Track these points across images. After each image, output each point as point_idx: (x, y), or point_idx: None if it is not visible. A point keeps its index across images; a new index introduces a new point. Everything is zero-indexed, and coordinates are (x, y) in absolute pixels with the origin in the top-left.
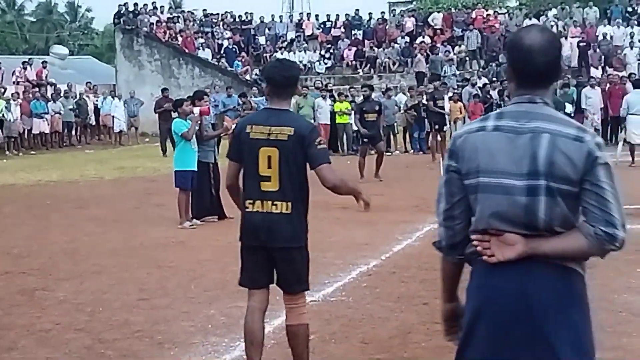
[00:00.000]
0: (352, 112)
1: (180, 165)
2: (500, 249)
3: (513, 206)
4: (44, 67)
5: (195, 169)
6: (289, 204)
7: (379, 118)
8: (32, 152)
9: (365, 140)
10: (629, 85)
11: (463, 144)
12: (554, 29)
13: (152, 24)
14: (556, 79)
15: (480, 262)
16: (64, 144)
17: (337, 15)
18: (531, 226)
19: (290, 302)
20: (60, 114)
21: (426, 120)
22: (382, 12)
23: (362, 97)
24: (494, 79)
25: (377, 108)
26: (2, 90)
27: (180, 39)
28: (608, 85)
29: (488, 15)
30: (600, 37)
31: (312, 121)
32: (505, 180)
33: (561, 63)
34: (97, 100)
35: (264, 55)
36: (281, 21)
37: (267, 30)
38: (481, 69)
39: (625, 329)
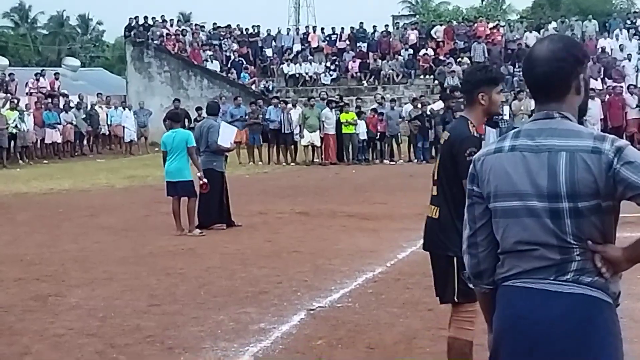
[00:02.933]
0: (357, 122)
1: (189, 175)
2: (605, 264)
3: (539, 229)
4: (57, 79)
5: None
6: (438, 209)
7: None
8: (45, 162)
9: None
10: (627, 96)
11: (482, 167)
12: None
13: (162, 36)
14: (567, 91)
15: (504, 288)
16: (76, 154)
17: (342, 28)
18: (561, 247)
19: (452, 313)
20: (72, 124)
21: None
22: (386, 25)
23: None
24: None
25: None
26: (16, 101)
27: (189, 51)
28: (607, 96)
29: (490, 28)
30: (600, 50)
31: (319, 131)
32: (527, 202)
33: (574, 74)
34: (108, 111)
35: (271, 67)
36: (287, 34)
37: (273, 43)
38: None
39: (626, 335)
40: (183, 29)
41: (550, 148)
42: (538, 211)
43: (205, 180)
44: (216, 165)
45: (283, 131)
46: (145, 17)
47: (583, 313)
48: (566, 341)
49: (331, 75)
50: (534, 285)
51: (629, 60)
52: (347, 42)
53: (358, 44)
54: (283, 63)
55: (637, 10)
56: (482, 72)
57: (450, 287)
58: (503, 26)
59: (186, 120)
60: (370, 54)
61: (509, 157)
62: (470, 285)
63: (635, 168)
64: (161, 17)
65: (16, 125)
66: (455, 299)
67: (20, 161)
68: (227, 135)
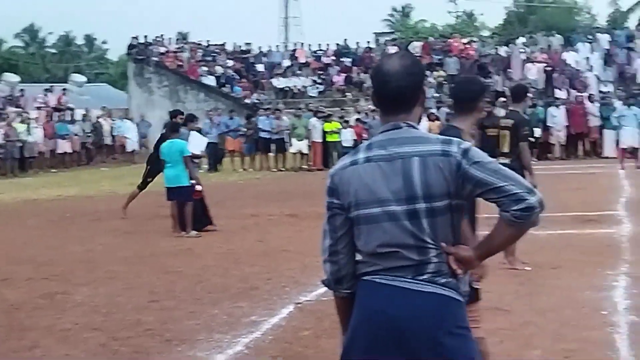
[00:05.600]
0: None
1: (186, 182)
2: (458, 264)
3: (399, 232)
4: (64, 94)
5: None
6: None
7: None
8: (53, 170)
9: None
10: (589, 104)
11: (340, 180)
12: (523, 55)
13: (162, 54)
14: (415, 103)
15: (363, 282)
16: (82, 163)
17: (328, 45)
18: (419, 247)
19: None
20: (78, 135)
21: None
22: (368, 42)
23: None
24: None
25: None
26: (26, 114)
27: (186, 67)
28: (571, 105)
29: (464, 43)
30: (564, 62)
31: (306, 139)
32: (387, 207)
33: (421, 88)
34: (113, 123)
35: (262, 81)
36: (277, 50)
37: (264, 59)
38: None
39: (587, 323)
40: (181, 47)
41: (402, 155)
42: (397, 215)
43: (198, 187)
44: (188, 175)
45: (274, 139)
46: (146, 36)
47: (440, 311)
48: (420, 337)
49: (318, 88)
50: (392, 282)
51: (591, 71)
52: (333, 57)
53: (342, 59)
54: (273, 77)
55: (598, 26)
56: (479, 83)
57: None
58: (476, 42)
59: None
60: (354, 68)
61: (365, 168)
62: (332, 291)
63: (482, 167)
64: (161, 35)
65: (22, 137)
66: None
67: (30, 170)
68: (197, 143)
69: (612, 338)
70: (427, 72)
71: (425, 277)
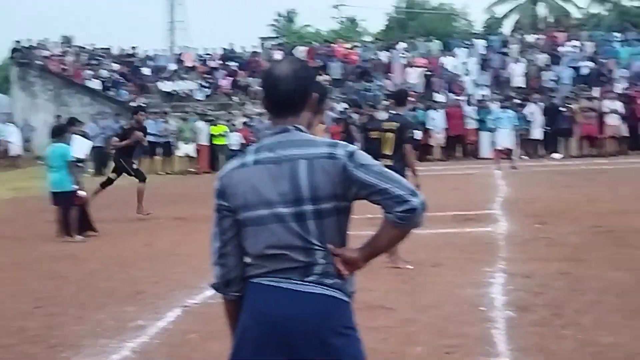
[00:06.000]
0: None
1: (69, 186)
2: (344, 265)
3: (286, 233)
4: None
5: None
6: None
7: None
8: None
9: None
10: (466, 107)
11: (229, 182)
12: (404, 60)
13: (46, 57)
14: (304, 107)
15: (252, 285)
16: None
17: (214, 49)
18: (306, 249)
19: None
20: None
21: None
22: (254, 46)
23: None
24: (351, 103)
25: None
26: None
27: (71, 71)
28: (449, 108)
29: (347, 48)
30: (443, 67)
31: (193, 143)
32: (274, 209)
33: (310, 92)
34: None
35: (148, 84)
36: (163, 54)
37: (150, 62)
38: (341, 95)
39: (467, 319)
40: (66, 50)
41: (290, 158)
42: (284, 216)
43: (81, 193)
44: (72, 180)
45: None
46: (29, 40)
47: (324, 312)
48: (308, 338)
49: (204, 92)
50: (280, 284)
51: (468, 75)
52: (219, 61)
53: (229, 63)
54: (159, 81)
55: (474, 32)
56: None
57: None
58: (359, 47)
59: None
60: (241, 72)
61: (254, 170)
62: (221, 294)
63: (367, 169)
64: (45, 39)
65: None
66: None
67: None
68: (80, 147)
69: (490, 333)
70: None
71: (312, 278)
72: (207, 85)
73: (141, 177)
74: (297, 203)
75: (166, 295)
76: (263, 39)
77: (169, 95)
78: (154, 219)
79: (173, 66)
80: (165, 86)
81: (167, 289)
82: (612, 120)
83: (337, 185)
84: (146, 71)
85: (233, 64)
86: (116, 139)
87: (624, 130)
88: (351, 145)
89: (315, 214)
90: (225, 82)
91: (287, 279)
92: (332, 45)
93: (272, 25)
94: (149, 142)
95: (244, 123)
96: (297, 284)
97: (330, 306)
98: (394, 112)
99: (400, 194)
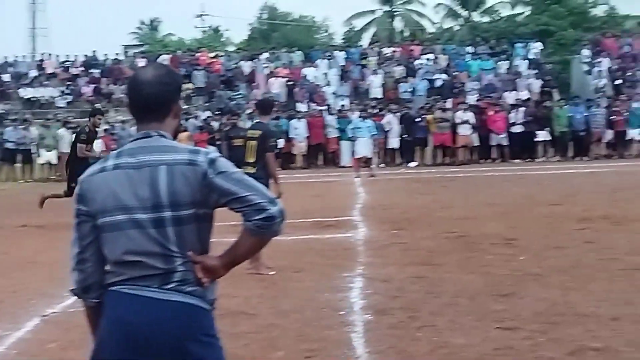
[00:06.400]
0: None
1: None
2: (204, 273)
3: (144, 240)
4: None
5: None
6: None
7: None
8: None
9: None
10: (327, 117)
11: (89, 186)
12: (267, 70)
13: None
14: (168, 113)
15: (110, 293)
16: None
17: (76, 56)
18: (165, 256)
19: None
20: None
21: None
22: (117, 54)
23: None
24: (216, 112)
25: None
26: None
27: None
28: (311, 118)
29: (211, 57)
30: (304, 77)
31: (55, 150)
32: (133, 215)
33: (174, 99)
34: None
35: (8, 91)
36: (24, 60)
37: (10, 68)
38: (205, 104)
39: (327, 323)
40: None
41: (150, 163)
42: (143, 222)
43: None
44: None
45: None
46: None
47: (183, 320)
48: (167, 346)
49: (66, 99)
50: (139, 292)
51: (329, 86)
52: (81, 68)
53: (91, 70)
54: (20, 87)
55: (334, 44)
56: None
57: None
58: (222, 56)
59: None
60: (103, 80)
61: (114, 175)
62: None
63: (227, 177)
64: None
65: None
66: None
67: None
68: None
69: (349, 337)
70: None
71: (171, 286)
72: (69, 92)
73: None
74: (156, 209)
75: (24, 304)
76: (126, 46)
77: (30, 102)
78: (13, 227)
79: (34, 72)
80: (26, 93)
81: (26, 299)
82: (464, 131)
83: (197, 192)
84: (6, 77)
85: (95, 71)
86: (83, 145)
87: (475, 140)
88: (213, 152)
89: (174, 220)
90: (87, 89)
91: (145, 286)
92: (195, 54)
93: (135, 33)
94: (7, 149)
95: (106, 130)
96: (155, 291)
97: (190, 314)
98: (258, 120)
99: (259, 201)
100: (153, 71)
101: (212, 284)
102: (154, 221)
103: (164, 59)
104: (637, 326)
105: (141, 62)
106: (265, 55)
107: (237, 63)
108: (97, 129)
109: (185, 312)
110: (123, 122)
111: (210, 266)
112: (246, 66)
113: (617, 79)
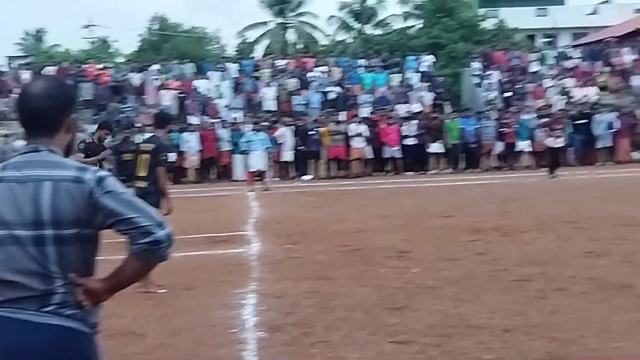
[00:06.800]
0: None
1: None
2: (86, 297)
3: (23, 257)
4: None
5: None
6: None
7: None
8: None
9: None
10: (219, 130)
11: None
12: (157, 82)
13: None
14: (59, 128)
15: None
16: None
17: None
18: (44, 276)
19: None
20: None
21: None
22: (1, 65)
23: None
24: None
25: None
26: None
27: None
28: (203, 130)
29: (98, 69)
30: (196, 89)
31: None
32: (13, 231)
33: (66, 113)
34: None
35: None
36: None
37: None
38: (93, 117)
39: (219, 341)
40: None
41: (35, 179)
42: (23, 239)
43: None
44: None
45: None
46: None
47: (62, 344)
48: None
49: None
50: (16, 315)
51: (221, 98)
52: None
53: None
54: None
55: (227, 56)
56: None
57: None
58: (111, 67)
59: None
60: None
61: None
62: None
63: (114, 197)
64: None
65: None
66: None
67: None
68: None
69: (242, 355)
70: None
71: (50, 308)
72: None
73: None
74: (36, 226)
75: None
76: (10, 57)
77: None
78: None
79: None
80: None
81: None
82: (358, 143)
83: (82, 211)
84: None
85: None
86: (81, 154)
87: (369, 153)
88: (102, 171)
89: (55, 239)
90: None
91: (22, 309)
92: (83, 65)
93: (20, 44)
94: None
95: None
96: (32, 314)
97: (68, 338)
98: (153, 134)
99: (145, 224)
100: (43, 84)
101: (93, 307)
102: (34, 239)
103: (50, 70)
104: (529, 337)
105: (25, 74)
106: (156, 66)
107: (125, 75)
108: (102, 143)
109: (63, 336)
110: (6, 136)
111: (92, 289)
112: (136, 78)
113: (506, 92)
